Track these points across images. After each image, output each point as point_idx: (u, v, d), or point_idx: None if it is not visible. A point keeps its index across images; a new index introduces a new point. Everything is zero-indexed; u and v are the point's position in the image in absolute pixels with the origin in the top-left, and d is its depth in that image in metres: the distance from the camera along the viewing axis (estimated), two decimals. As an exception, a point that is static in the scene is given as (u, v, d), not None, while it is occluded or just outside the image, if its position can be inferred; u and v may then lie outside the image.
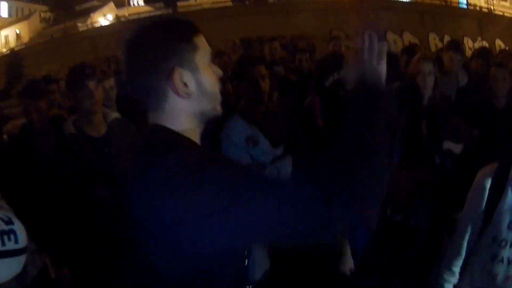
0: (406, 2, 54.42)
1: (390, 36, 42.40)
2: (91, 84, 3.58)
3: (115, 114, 3.92)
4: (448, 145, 4.69)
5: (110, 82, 4.81)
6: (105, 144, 3.67)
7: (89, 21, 56.91)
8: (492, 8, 59.05)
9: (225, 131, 3.84)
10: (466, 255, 2.80)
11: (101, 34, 43.42)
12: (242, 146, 3.75)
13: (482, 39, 44.69)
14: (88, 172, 3.58)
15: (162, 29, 1.66)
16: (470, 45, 37.97)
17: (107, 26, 47.51)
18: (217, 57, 7.79)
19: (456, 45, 5.98)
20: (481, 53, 6.59)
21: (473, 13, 52.38)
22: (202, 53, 1.67)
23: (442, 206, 4.21)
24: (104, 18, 56.24)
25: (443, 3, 51.74)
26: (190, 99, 1.63)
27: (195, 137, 1.70)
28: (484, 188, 2.71)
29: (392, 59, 5.25)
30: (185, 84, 1.61)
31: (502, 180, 2.68)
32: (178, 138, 1.62)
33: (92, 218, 3.50)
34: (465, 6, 55.95)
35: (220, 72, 1.75)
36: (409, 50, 7.01)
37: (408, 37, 40.71)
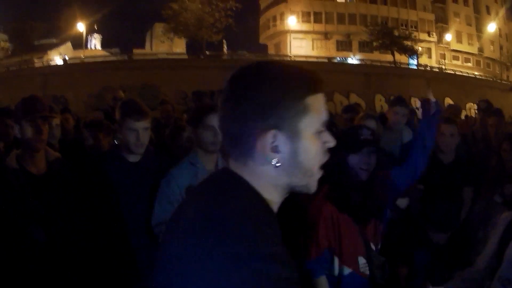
0: (353, 64, 55.88)
1: (337, 97, 43.37)
2: (40, 120, 3.52)
3: (56, 154, 3.86)
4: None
5: (56, 120, 4.77)
6: (44, 183, 3.59)
7: (45, 58, 56.65)
8: (443, 67, 61.09)
9: (167, 178, 3.82)
10: None
11: (54, 72, 43.18)
12: (180, 197, 3.68)
13: (431, 99, 45.96)
14: (25, 210, 3.48)
15: (274, 77, 1.41)
16: (417, 105, 38.98)
17: (61, 66, 47.31)
18: (160, 104, 8.09)
19: (400, 101, 6.11)
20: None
21: (422, 73, 54.01)
22: (313, 118, 1.41)
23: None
24: (59, 57, 56.00)
25: (392, 65, 53.29)
26: (279, 167, 1.39)
27: (273, 205, 1.46)
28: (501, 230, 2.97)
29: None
30: (276, 149, 1.38)
31: None
32: (251, 196, 1.39)
33: (22, 259, 3.40)
34: (414, 66, 57.77)
35: (331, 142, 1.47)
36: (351, 108, 7.14)
37: (354, 98, 41.67)
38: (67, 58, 53.76)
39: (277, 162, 1.38)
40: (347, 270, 3.61)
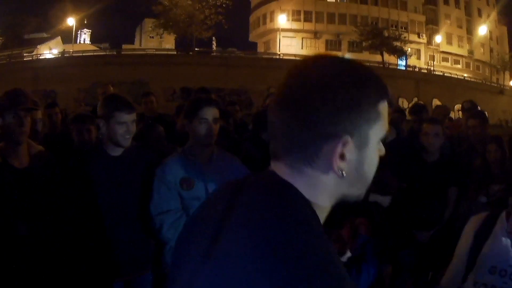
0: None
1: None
2: (22, 113, 3.50)
3: (39, 147, 3.84)
4: (374, 197, 4.76)
5: (38, 114, 4.75)
6: (26, 176, 3.56)
7: (35, 52, 56.50)
8: (432, 68, 61.46)
9: (162, 167, 3.86)
10: None
11: (44, 66, 43.04)
12: (175, 186, 3.77)
13: (419, 99, 46.25)
14: (7, 204, 3.45)
15: (351, 78, 1.25)
16: (405, 105, 39.30)
17: (51, 60, 47.16)
18: (143, 96, 8.04)
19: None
20: (414, 109, 6.78)
21: (411, 74, 54.34)
22: (381, 126, 1.28)
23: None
24: (49, 52, 55.87)
25: (381, 65, 53.50)
26: (341, 177, 1.24)
27: (321, 218, 1.28)
28: (470, 234, 2.93)
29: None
30: (343, 157, 1.22)
31: (489, 228, 2.86)
32: (309, 214, 1.22)
33: (4, 253, 3.39)
34: (403, 68, 58.06)
35: (383, 151, 1.35)
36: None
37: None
38: (56, 52, 53.68)
39: (343, 172, 1.23)
40: None
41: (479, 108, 7.62)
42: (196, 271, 1.20)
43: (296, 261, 1.06)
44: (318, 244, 1.12)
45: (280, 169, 1.28)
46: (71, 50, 52.84)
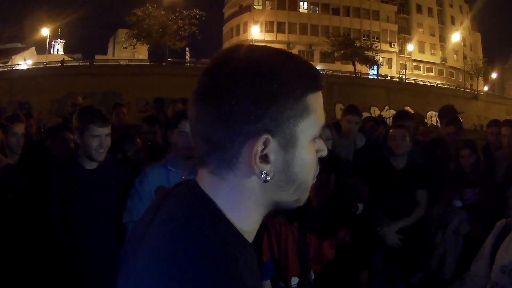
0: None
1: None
2: None
3: (7, 160, 3.82)
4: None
5: (19, 128, 4.76)
6: None
7: (9, 62, 55.90)
8: (403, 77, 62.12)
9: (141, 176, 3.84)
10: None
11: (18, 77, 42.58)
12: (151, 195, 3.71)
13: (390, 108, 46.66)
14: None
15: (266, 67, 1.08)
16: (376, 114, 39.64)
17: (25, 70, 46.69)
18: (113, 108, 7.94)
19: (352, 109, 6.20)
20: (398, 117, 6.82)
21: (383, 83, 54.80)
22: (312, 121, 1.12)
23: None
24: (24, 62, 55.34)
25: (353, 75, 53.96)
26: (266, 182, 1.09)
27: (250, 234, 1.17)
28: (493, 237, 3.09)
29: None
30: (266, 159, 1.08)
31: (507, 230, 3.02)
32: (219, 225, 1.09)
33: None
34: (375, 77, 58.58)
35: (325, 151, 1.21)
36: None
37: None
38: (30, 62, 53.31)
39: (267, 176, 1.08)
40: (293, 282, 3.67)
41: (458, 114, 7.64)
42: (128, 270, 1.15)
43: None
44: (216, 268, 0.99)
45: (202, 177, 1.16)
46: (44, 61, 52.38)
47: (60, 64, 48.42)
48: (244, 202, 1.12)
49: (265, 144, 1.06)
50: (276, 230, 3.65)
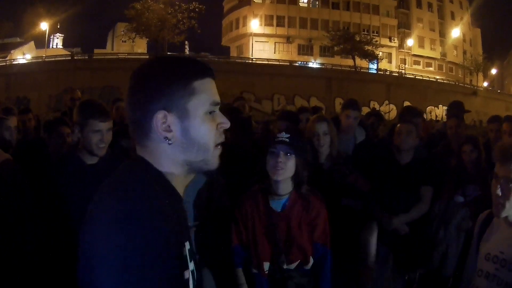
0: (314, 68, 56.23)
1: (298, 100, 43.63)
2: None
3: (5, 155, 3.77)
4: (347, 201, 4.76)
5: (10, 122, 4.70)
6: None
7: (8, 57, 55.76)
8: (403, 72, 62.04)
9: None
10: None
11: (16, 72, 42.49)
12: None
13: (390, 102, 46.68)
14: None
15: (163, 66, 1.62)
16: (376, 108, 39.60)
17: (23, 65, 46.54)
18: (113, 103, 7.87)
19: (351, 104, 6.12)
20: (405, 113, 6.73)
21: (382, 77, 54.77)
22: (200, 100, 1.58)
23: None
24: (23, 57, 55.21)
25: (352, 69, 53.88)
26: (173, 144, 1.56)
27: (179, 184, 1.64)
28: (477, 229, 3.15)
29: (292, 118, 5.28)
30: (168, 128, 1.55)
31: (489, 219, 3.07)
32: (151, 175, 1.57)
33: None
34: (374, 71, 58.51)
35: (226, 124, 1.65)
36: (303, 110, 7.15)
37: (315, 102, 42.02)
38: (29, 57, 53.20)
39: (169, 140, 1.55)
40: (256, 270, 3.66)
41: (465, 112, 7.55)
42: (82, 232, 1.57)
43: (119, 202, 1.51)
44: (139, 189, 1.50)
45: (137, 149, 1.63)
46: (43, 55, 52.22)
47: (70, 58, 48.36)
48: (162, 161, 1.59)
49: (165, 117, 1.53)
50: (242, 215, 3.66)
